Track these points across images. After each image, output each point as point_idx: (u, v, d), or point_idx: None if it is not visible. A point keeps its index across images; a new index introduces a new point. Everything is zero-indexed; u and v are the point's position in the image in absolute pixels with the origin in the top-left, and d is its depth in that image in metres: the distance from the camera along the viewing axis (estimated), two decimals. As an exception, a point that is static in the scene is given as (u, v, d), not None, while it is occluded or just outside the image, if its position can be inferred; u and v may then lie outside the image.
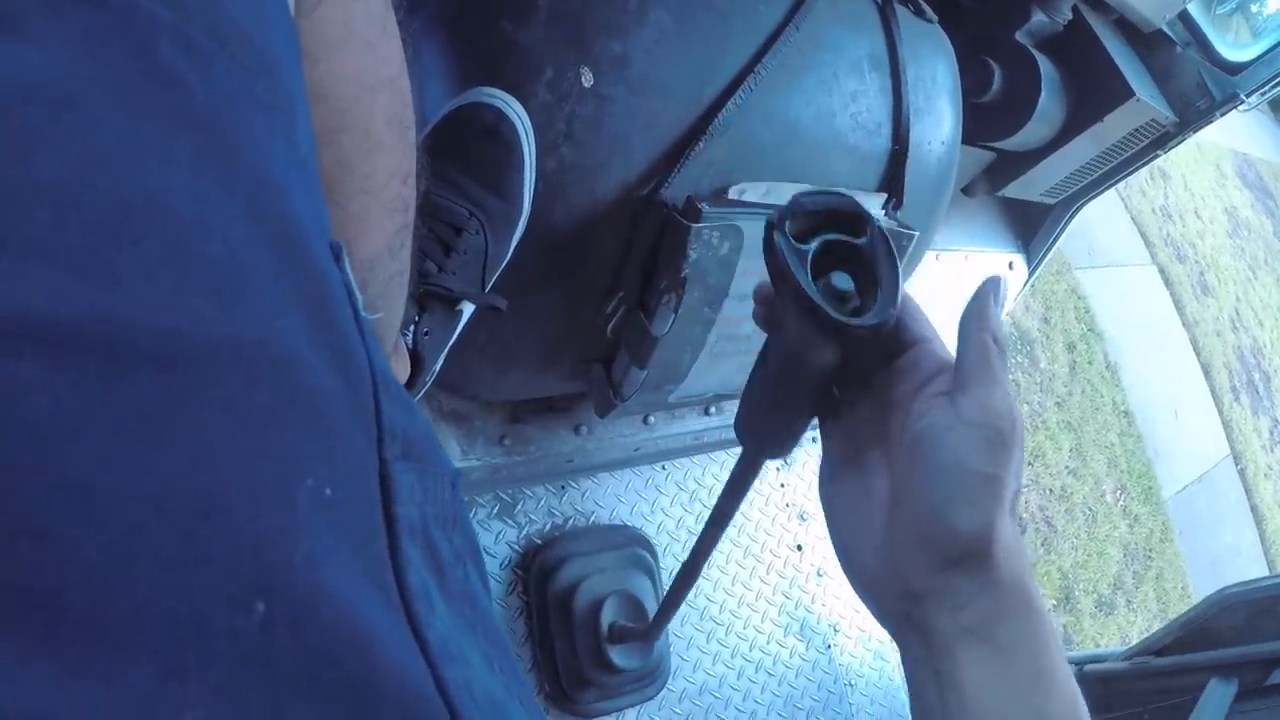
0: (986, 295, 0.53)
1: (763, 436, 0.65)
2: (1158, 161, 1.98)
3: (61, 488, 0.23)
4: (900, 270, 0.54)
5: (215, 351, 0.26)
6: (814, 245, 0.53)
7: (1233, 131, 8.39)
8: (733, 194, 1.01)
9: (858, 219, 0.54)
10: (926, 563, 0.49)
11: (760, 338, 1.20)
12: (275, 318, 0.29)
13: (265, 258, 0.29)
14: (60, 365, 0.23)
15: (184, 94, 0.28)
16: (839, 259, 0.53)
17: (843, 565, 0.57)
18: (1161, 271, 5.98)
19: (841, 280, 0.53)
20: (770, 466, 1.70)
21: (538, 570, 1.37)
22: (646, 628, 1.28)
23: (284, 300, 0.30)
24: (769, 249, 0.52)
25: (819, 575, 1.73)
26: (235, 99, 0.30)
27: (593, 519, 1.47)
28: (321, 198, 0.36)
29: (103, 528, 0.23)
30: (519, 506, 1.40)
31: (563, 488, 1.45)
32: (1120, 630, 3.91)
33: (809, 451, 1.81)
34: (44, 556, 0.22)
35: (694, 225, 0.94)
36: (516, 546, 1.38)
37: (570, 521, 1.44)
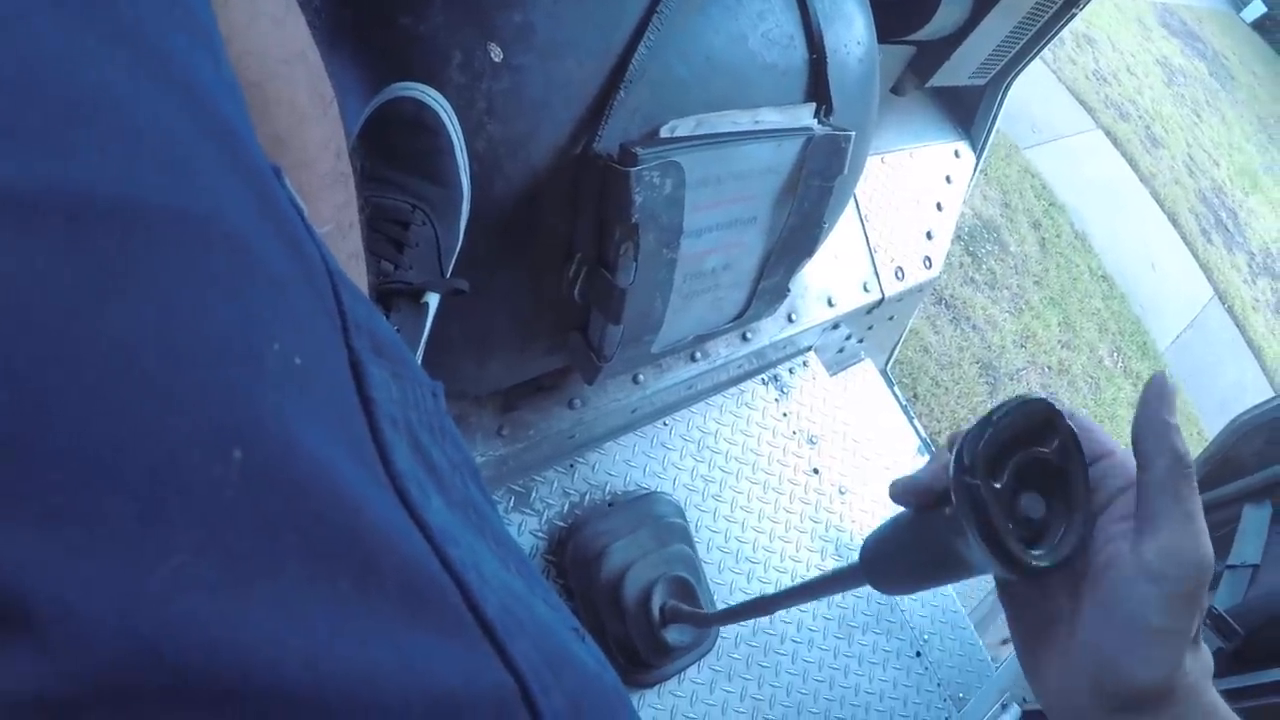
0: (1159, 400, 0.48)
1: (893, 585, 0.64)
2: (1081, 27, 2.00)
3: (31, 335, 0.23)
4: (1089, 474, 0.51)
5: (170, 218, 0.27)
6: (1007, 480, 0.49)
7: (1146, -18, 8.43)
8: (664, 133, 1.01)
9: (1048, 420, 0.50)
10: (1101, 704, 0.46)
11: (726, 272, 1.20)
12: (224, 198, 0.30)
13: (209, 149, 0.30)
14: (23, 228, 0.24)
15: (114, 12, 0.29)
16: (1026, 471, 0.50)
17: (1025, 672, 0.53)
18: (1108, 133, 6.01)
19: (1033, 506, 0.50)
20: (768, 397, 1.72)
21: (577, 558, 1.37)
22: (703, 616, 1.29)
23: (231, 186, 0.30)
24: (963, 499, 0.48)
25: (841, 493, 1.74)
26: (159, 19, 0.31)
27: (608, 489, 1.48)
28: (251, 126, 0.37)
29: (73, 373, 0.24)
30: (534, 494, 1.41)
31: (571, 465, 1.46)
32: (1148, 487, 3.94)
33: (804, 377, 1.82)
34: (15, 401, 0.23)
35: (632, 170, 0.94)
36: (541, 534, 1.39)
37: (586, 497, 1.45)
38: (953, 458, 0.49)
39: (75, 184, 0.25)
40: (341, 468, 0.30)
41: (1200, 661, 0.46)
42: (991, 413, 0.50)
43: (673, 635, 1.34)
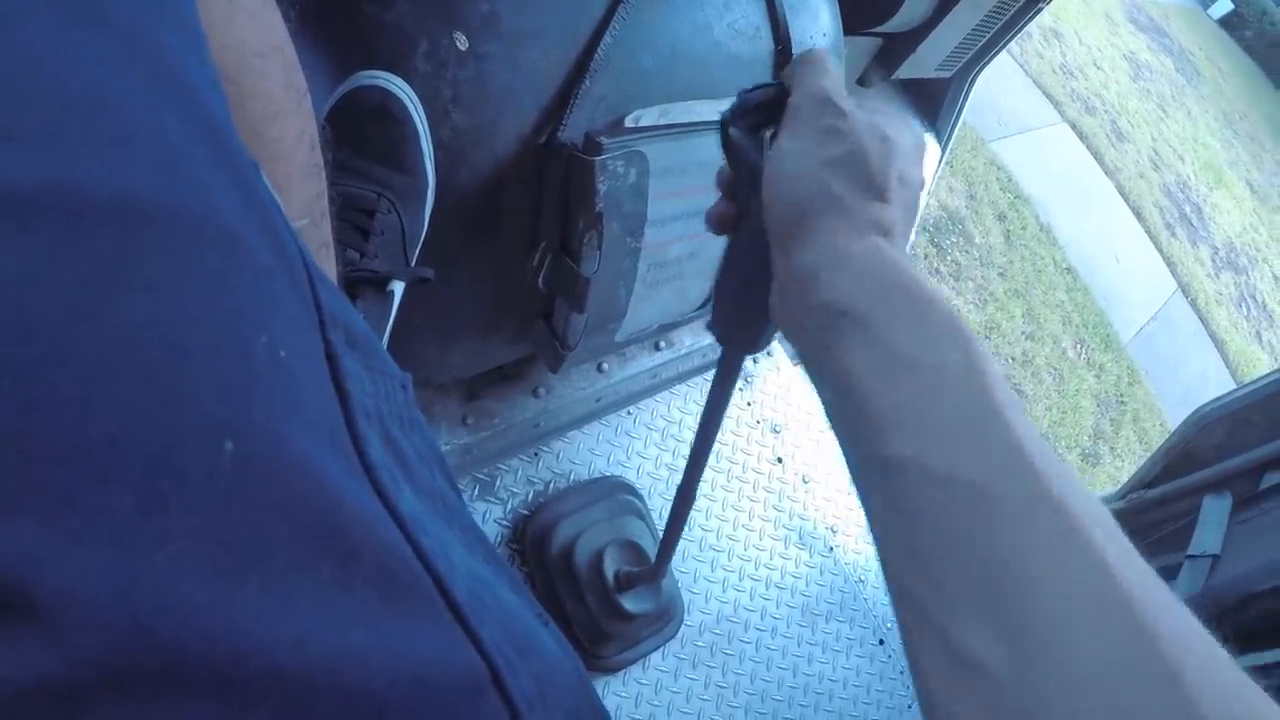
0: None
1: (739, 333, 0.67)
2: (1048, 21, 2.00)
3: (36, 330, 0.24)
4: None
5: (165, 215, 0.28)
6: (768, 135, 0.56)
7: (1115, -22, 8.50)
8: (628, 123, 1.01)
9: None
10: (775, 248, 0.52)
11: (690, 261, 1.21)
12: (214, 195, 0.30)
13: (198, 146, 0.31)
14: (26, 227, 0.24)
15: (106, 11, 0.30)
16: None
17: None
18: (1074, 127, 6.05)
19: None
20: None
21: (532, 539, 1.37)
22: (652, 568, 1.29)
23: (220, 182, 0.31)
24: (727, 144, 0.56)
25: (804, 482, 1.75)
26: (149, 17, 0.32)
27: (572, 477, 1.48)
28: (232, 121, 0.37)
29: (76, 368, 0.24)
30: (498, 482, 1.41)
31: (535, 454, 1.46)
32: (1110, 477, 3.99)
33: (768, 366, 1.83)
34: (23, 394, 0.23)
35: (597, 158, 0.95)
36: (505, 522, 1.39)
37: (550, 485, 1.45)
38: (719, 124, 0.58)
39: (74, 183, 0.26)
40: (323, 459, 0.31)
41: (886, 213, 0.49)
42: (744, 89, 0.58)
43: (630, 603, 1.34)
